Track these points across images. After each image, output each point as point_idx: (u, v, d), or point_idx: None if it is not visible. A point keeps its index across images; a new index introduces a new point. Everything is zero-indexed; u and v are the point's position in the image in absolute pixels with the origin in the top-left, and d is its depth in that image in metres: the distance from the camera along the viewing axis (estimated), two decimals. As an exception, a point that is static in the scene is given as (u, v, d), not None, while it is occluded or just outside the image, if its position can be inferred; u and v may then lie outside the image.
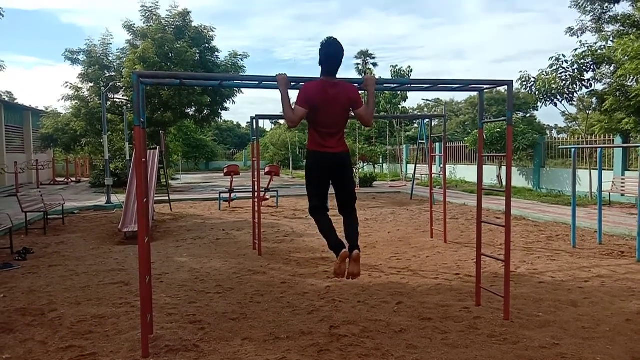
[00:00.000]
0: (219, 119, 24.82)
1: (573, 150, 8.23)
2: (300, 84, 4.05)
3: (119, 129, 21.37)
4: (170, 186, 20.11)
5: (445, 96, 64.19)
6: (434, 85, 4.46)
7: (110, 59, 21.06)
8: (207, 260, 7.41)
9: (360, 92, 4.16)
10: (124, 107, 19.65)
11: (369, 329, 4.48)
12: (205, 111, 22.22)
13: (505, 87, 4.43)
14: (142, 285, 3.92)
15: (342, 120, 4.06)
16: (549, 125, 56.72)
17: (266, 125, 70.28)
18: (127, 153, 19.11)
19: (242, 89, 22.30)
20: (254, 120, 7.85)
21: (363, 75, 4.36)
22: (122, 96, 20.98)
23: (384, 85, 4.48)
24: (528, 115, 49.74)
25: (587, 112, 14.71)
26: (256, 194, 8.15)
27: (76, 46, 31.45)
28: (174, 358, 3.85)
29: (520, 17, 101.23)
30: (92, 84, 20.64)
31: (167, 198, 14.18)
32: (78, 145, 23.06)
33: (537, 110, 49.03)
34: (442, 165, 8.86)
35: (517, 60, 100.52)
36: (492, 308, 5.01)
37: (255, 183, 7.95)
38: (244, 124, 66.60)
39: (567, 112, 15.37)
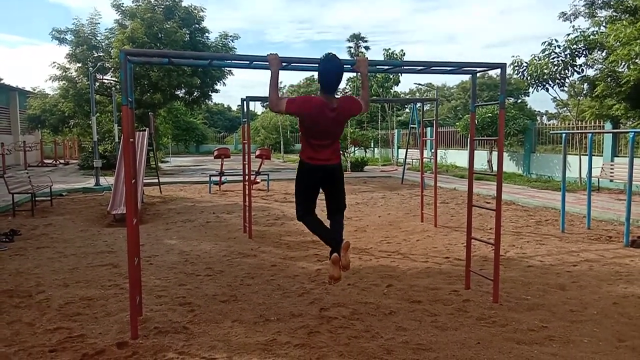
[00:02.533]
0: (209, 101, 24.57)
1: (564, 135, 8.25)
2: (292, 64, 3.98)
3: (107, 111, 21.09)
4: (160, 169, 19.96)
5: (437, 81, 64.13)
6: (427, 67, 4.41)
7: (98, 39, 20.71)
8: (197, 243, 7.37)
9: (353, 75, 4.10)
10: (113, 88, 19.37)
11: (358, 311, 4.49)
12: (195, 93, 21.99)
13: (498, 70, 4.40)
14: (131, 266, 3.88)
15: (338, 132, 4.04)
16: (539, 111, 56.91)
17: (257, 108, 69.81)
18: (116, 135, 18.90)
19: (232, 71, 22.09)
20: (245, 103, 7.76)
21: (355, 57, 4.28)
22: (111, 77, 20.67)
23: (377, 67, 4.42)
24: (519, 101, 49.86)
25: (579, 98, 14.72)
26: (247, 177, 8.08)
27: (63, 25, 30.90)
28: (163, 340, 3.84)
29: (515, 2, 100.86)
30: (80, 65, 20.30)
31: (156, 181, 14.07)
32: (66, 127, 22.78)
33: (528, 96, 49.18)
34: (433, 150, 8.84)
35: (509, 46, 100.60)
36: (482, 291, 5.04)
37: (246, 166, 7.87)
38: (234, 107, 66.15)
39: (558, 98, 15.42)
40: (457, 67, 4.47)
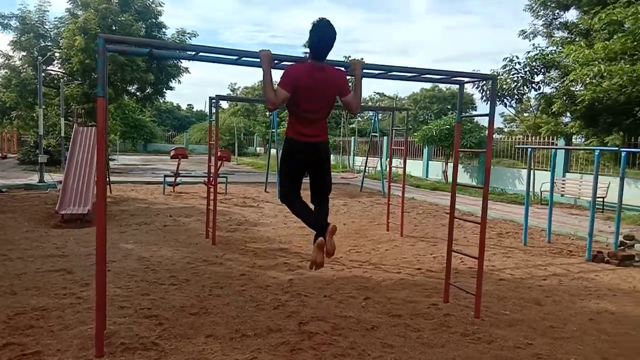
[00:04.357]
0: (162, 99, 23.73)
1: (529, 150, 8.39)
2: (284, 62, 3.74)
3: (53, 104, 19.92)
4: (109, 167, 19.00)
5: (389, 91, 65.15)
6: (419, 74, 4.28)
7: (46, 27, 19.50)
8: (156, 248, 6.93)
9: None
10: (61, 79, 18.30)
11: (339, 325, 4.28)
12: (148, 90, 21.14)
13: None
14: (99, 274, 3.49)
15: (327, 106, 3.80)
16: (484, 125, 58.92)
17: (208, 108, 68.54)
18: (62, 129, 17.90)
19: (189, 68, 21.45)
20: (213, 101, 7.41)
21: (350, 60, 4.10)
22: (59, 68, 19.53)
23: (368, 70, 4.24)
24: (466, 114, 51.31)
25: (527, 113, 15.22)
26: (212, 179, 7.71)
27: (7, 10, 29.06)
28: (132, 357, 3.47)
29: (464, 19, 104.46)
30: (24, 53, 19.05)
31: (106, 179, 13.31)
32: (7, 119, 21.32)
33: (475, 110, 50.79)
34: (402, 159, 8.78)
35: (458, 62, 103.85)
36: (460, 305, 4.94)
37: (212, 167, 7.51)
38: (184, 106, 64.73)
39: (506, 113, 15.88)
40: (447, 77, 4.37)
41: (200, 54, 3.56)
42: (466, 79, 4.56)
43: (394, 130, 11.21)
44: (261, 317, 4.39)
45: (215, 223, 7.46)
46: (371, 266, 6.45)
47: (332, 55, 3.69)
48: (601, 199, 12.21)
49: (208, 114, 7.91)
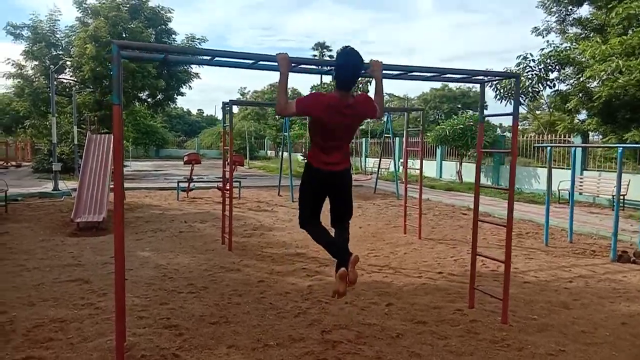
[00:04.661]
0: (174, 105, 23.82)
1: (549, 149, 8.20)
2: (301, 65, 3.64)
3: (66, 112, 20.04)
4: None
5: (400, 91, 64.90)
6: (440, 74, 4.17)
7: (57, 36, 19.67)
8: (172, 255, 6.87)
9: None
10: (73, 87, 18.41)
11: (363, 334, 4.16)
12: (159, 96, 21.24)
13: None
14: (119, 285, 3.40)
15: (351, 134, 3.78)
16: (494, 124, 58.47)
17: (218, 113, 68.74)
18: (75, 137, 17.98)
19: (200, 74, 21.52)
20: (227, 107, 7.34)
21: (370, 60, 3.98)
22: (70, 76, 19.65)
23: (387, 71, 4.13)
24: (473, 114, 50.96)
25: (550, 110, 14.98)
26: (227, 184, 7.64)
27: (19, 20, 29.39)
28: (153, 371, 3.39)
29: (470, 17, 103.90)
30: (37, 62, 19.22)
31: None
32: (20, 127, 21.51)
33: (486, 109, 50.40)
34: (417, 160, 8.64)
35: (465, 60, 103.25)
36: (486, 310, 4.80)
37: (227, 173, 7.44)
38: (194, 111, 65.05)
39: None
40: (469, 75, 4.24)
41: (217, 58, 3.48)
42: (487, 78, 4.42)
43: (407, 131, 11.06)
44: (282, 326, 4.29)
45: (232, 229, 7.38)
46: (391, 270, 6.32)
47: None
48: (622, 197, 11.95)
49: (219, 118, 7.85)
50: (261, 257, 6.89)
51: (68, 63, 18.71)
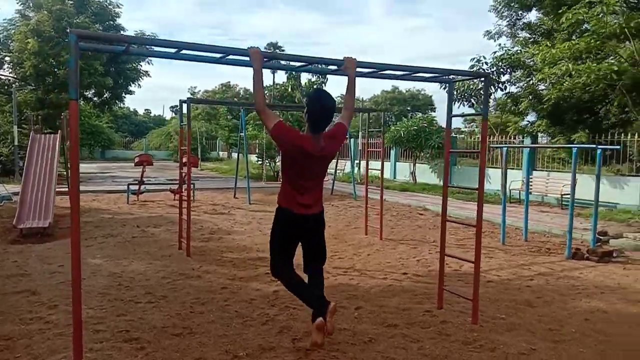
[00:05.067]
0: (122, 104, 22.95)
1: (504, 149, 8.38)
2: (274, 60, 3.48)
3: (4, 110, 18.87)
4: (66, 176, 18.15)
5: (360, 94, 65.48)
6: (412, 72, 4.10)
7: (-6, 30, 18.50)
8: (126, 262, 6.50)
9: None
10: (12, 85, 17.34)
11: (335, 339, 4.02)
12: (106, 94, 20.37)
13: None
14: (75, 296, 3.12)
15: (323, 171, 3.69)
16: (441, 126, 60.03)
17: (166, 113, 67.06)
18: (15, 138, 16.94)
19: (149, 72, 20.84)
20: (184, 105, 7.06)
21: (344, 57, 3.85)
22: (10, 73, 18.52)
23: (360, 69, 4.02)
24: (426, 116, 52.17)
25: (499, 112, 15.43)
26: (183, 187, 7.33)
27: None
28: (115, 390, 3.12)
29: (422, 21, 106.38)
30: (-30, 57, 18.01)
31: (66, 189, 12.62)
32: (-48, 127, 20.04)
33: (434, 111, 51.55)
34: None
35: (415, 64, 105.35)
36: (455, 311, 4.79)
37: (184, 174, 7.14)
38: (141, 111, 63.22)
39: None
40: (440, 74, 4.21)
41: (184, 51, 3.26)
42: (460, 78, 4.41)
43: (362, 132, 11.05)
44: (251, 335, 4.10)
45: (190, 233, 7.08)
46: (356, 272, 6.24)
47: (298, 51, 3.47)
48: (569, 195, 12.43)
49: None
50: (222, 262, 6.65)
51: (7, 59, 17.61)
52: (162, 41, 2.99)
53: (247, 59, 3.32)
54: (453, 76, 4.35)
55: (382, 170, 8.82)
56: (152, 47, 3.12)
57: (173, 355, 3.67)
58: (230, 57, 3.42)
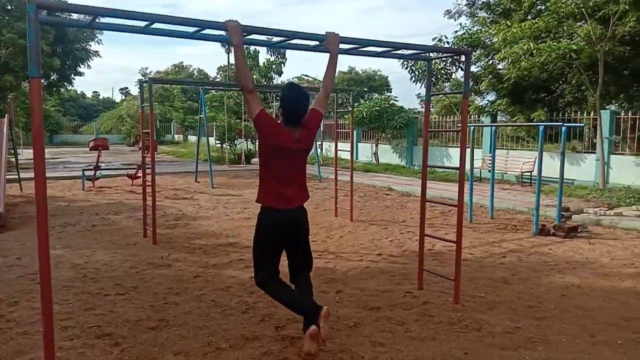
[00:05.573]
0: (71, 86, 21.82)
1: (472, 128, 8.43)
2: (254, 35, 3.26)
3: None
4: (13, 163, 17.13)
5: (312, 73, 64.92)
6: (394, 49, 3.96)
7: None
8: (89, 252, 6.16)
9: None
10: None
11: (320, 326, 3.91)
12: (53, 76, 19.30)
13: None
14: (45, 294, 2.86)
15: (303, 162, 3.52)
16: (401, 106, 60.66)
17: (115, 95, 64.56)
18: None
19: (99, 52, 19.86)
20: (145, 85, 6.68)
21: (326, 32, 3.68)
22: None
23: (342, 45, 3.85)
24: (387, 96, 52.41)
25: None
26: (141, 171, 7.00)
27: None
28: (92, 392, 2.90)
29: (372, 2, 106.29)
30: None
31: (16, 176, 11.91)
32: None
33: (390, 92, 51.86)
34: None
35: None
36: (436, 291, 4.77)
37: (147, 158, 6.80)
38: (89, 94, 60.71)
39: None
40: (421, 51, 4.09)
41: (155, 25, 2.99)
42: (441, 54, 4.30)
43: (336, 113, 10.90)
44: (232, 325, 3.93)
45: (155, 220, 6.78)
46: (332, 255, 6.15)
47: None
48: (529, 173, 12.77)
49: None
50: (191, 249, 6.40)
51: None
52: (133, 13, 2.71)
53: (224, 33, 3.09)
54: (433, 53, 4.24)
55: (351, 151, 8.74)
56: (121, 19, 2.83)
57: (151, 350, 3.46)
58: (206, 31, 3.17)
